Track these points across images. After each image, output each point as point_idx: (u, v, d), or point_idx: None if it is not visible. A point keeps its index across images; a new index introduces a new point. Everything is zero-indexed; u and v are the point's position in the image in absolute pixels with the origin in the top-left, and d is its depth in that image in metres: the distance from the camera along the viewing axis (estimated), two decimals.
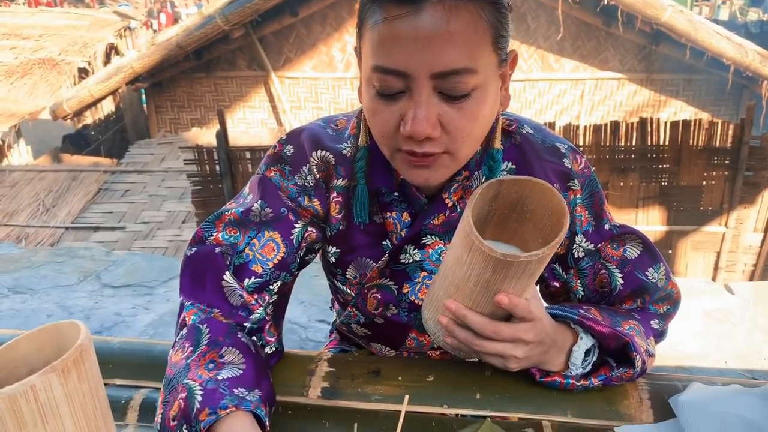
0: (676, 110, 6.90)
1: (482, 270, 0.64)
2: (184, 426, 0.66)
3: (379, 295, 0.90)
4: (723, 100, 6.84)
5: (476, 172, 0.83)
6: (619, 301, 0.88)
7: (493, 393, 0.82)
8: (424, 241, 0.86)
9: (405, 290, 0.89)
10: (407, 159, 0.74)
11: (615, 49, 6.73)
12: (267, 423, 0.70)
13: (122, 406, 0.84)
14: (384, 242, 0.88)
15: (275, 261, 0.84)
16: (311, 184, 0.86)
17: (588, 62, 6.83)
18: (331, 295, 1.07)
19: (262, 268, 0.83)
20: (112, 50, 9.10)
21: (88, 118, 8.92)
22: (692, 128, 3.91)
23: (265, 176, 0.87)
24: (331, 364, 0.88)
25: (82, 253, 2.95)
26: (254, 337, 0.81)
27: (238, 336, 0.77)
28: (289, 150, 0.87)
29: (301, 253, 0.87)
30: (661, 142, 3.96)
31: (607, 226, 0.87)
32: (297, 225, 0.86)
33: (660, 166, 4.04)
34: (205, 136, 6.70)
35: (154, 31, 12.30)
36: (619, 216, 4.05)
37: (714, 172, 4.04)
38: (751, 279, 4.36)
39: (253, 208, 0.85)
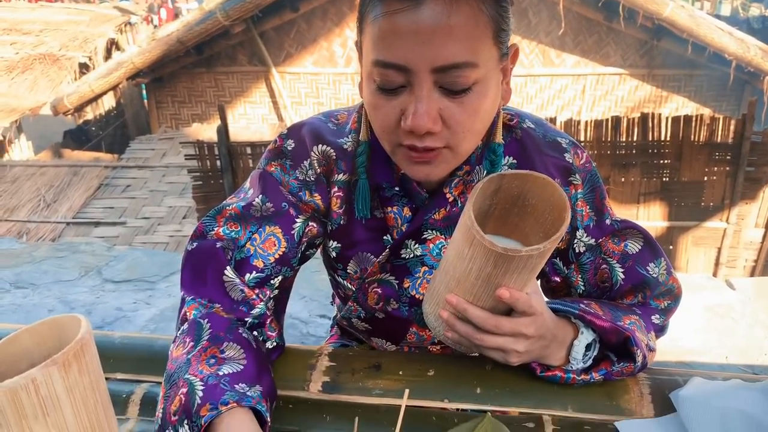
0: (678, 106, 6.89)
1: (483, 264, 0.64)
2: (185, 421, 0.66)
3: (379, 290, 0.90)
4: (725, 95, 6.82)
5: (477, 167, 0.83)
6: (620, 296, 0.88)
7: (494, 387, 0.82)
8: (425, 236, 0.86)
9: (406, 285, 0.89)
10: (408, 154, 0.74)
11: (616, 44, 6.72)
12: (268, 418, 0.70)
13: (123, 400, 0.84)
14: (385, 237, 0.88)
15: (276, 256, 0.84)
16: (312, 179, 0.86)
17: (589, 57, 6.82)
18: (331, 290, 1.07)
19: (263, 262, 0.83)
20: (112, 45, 9.10)
21: (89, 114, 8.94)
22: (694, 124, 3.90)
23: (266, 171, 0.87)
24: (332, 358, 0.88)
25: (83, 248, 2.96)
26: (255, 332, 0.81)
27: (239, 331, 0.77)
28: (290, 144, 0.87)
29: (302, 248, 0.87)
30: (663, 138, 3.95)
31: (608, 221, 0.87)
32: (298, 220, 0.86)
33: (661, 161, 4.03)
34: (206, 131, 6.69)
35: (155, 27, 12.27)
36: (620, 211, 4.04)
37: (715, 168, 4.03)
38: (752, 275, 4.36)
39: (254, 202, 0.85)
